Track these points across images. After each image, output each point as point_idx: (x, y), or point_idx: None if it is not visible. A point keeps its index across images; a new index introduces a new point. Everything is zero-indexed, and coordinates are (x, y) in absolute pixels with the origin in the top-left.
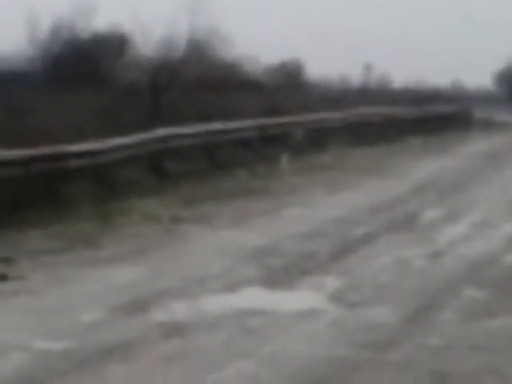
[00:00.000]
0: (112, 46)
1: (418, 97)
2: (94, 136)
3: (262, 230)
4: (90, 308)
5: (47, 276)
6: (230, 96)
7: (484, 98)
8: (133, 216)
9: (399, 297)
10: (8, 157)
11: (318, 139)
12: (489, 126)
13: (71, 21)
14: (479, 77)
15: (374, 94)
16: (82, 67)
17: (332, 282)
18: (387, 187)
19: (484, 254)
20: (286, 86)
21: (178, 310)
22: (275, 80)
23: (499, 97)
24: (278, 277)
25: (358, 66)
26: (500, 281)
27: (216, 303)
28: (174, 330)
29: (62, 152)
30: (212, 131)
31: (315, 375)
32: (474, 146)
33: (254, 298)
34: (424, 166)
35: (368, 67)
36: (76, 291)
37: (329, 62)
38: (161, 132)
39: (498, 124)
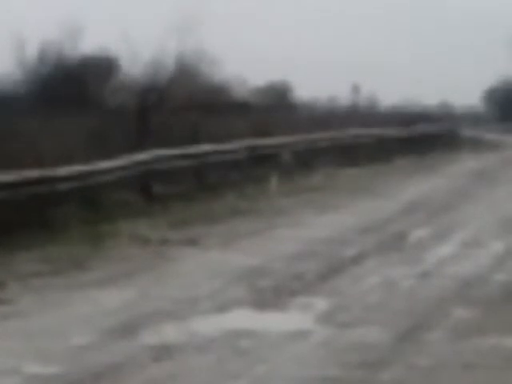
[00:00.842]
0: (100, 68)
1: (406, 117)
2: (83, 159)
3: (251, 251)
4: (79, 331)
5: (36, 299)
6: (218, 118)
7: (472, 118)
8: (122, 238)
9: (389, 317)
10: None
11: (306, 160)
12: (477, 145)
13: (59, 44)
14: (467, 96)
15: (362, 114)
16: (70, 90)
17: (321, 303)
18: (376, 207)
19: (473, 274)
20: (275, 107)
21: (168, 332)
22: (263, 101)
23: (487, 116)
24: (268, 298)
25: (346, 87)
26: (489, 300)
27: (206, 325)
28: (164, 352)
29: (50, 175)
30: (200, 153)
31: None
32: (463, 166)
33: (243, 319)
34: (413, 185)
35: (356, 88)
36: (66, 314)
37: (317, 84)
38: (149, 154)
39: (486, 143)
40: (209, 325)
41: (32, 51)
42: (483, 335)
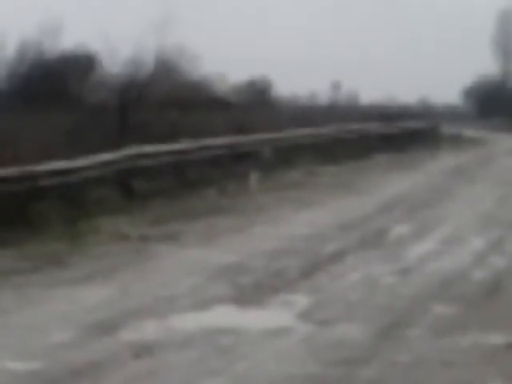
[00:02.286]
0: (79, 65)
1: (385, 114)
2: (63, 155)
3: (231, 248)
4: (59, 328)
5: (16, 296)
6: (198, 114)
7: (452, 115)
8: (102, 235)
9: (369, 314)
10: None
11: (287, 157)
12: (457, 141)
13: (38, 41)
14: (447, 93)
15: (342, 111)
16: (49, 87)
17: (302, 300)
18: (356, 204)
19: (453, 270)
20: (255, 104)
21: (148, 330)
22: (244, 98)
23: (467, 112)
24: (248, 295)
25: (327, 84)
26: (469, 297)
27: (186, 322)
28: (145, 349)
29: (31, 172)
30: (180, 150)
31: None
32: (442, 162)
33: (224, 316)
34: (392, 182)
35: (336, 85)
36: (45, 311)
37: (297, 81)
38: (129, 151)
39: (466, 140)
40: (189, 322)
41: (11, 48)
42: (463, 332)
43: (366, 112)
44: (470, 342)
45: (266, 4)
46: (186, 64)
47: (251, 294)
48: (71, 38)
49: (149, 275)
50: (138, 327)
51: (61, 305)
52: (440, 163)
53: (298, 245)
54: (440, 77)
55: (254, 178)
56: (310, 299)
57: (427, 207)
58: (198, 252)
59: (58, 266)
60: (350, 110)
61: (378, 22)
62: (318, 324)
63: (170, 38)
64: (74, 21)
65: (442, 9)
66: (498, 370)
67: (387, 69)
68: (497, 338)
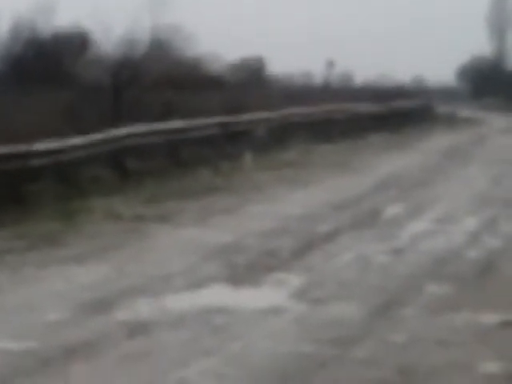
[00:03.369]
0: (73, 44)
1: (380, 93)
2: (57, 135)
3: (225, 228)
4: (54, 307)
5: (11, 275)
6: (192, 94)
7: (446, 94)
8: (96, 214)
9: (363, 293)
10: None
11: (281, 136)
12: (451, 121)
13: (32, 20)
14: (442, 72)
15: (336, 90)
16: (43, 66)
17: (296, 279)
18: (350, 183)
19: (447, 250)
20: (249, 83)
21: (142, 309)
22: (238, 77)
23: (461, 92)
24: (242, 274)
25: (321, 62)
26: (463, 276)
27: (180, 301)
28: (139, 328)
29: (24, 151)
30: (174, 129)
31: (281, 372)
32: (437, 142)
33: (218, 295)
34: (387, 162)
35: (330, 64)
36: (40, 290)
37: (291, 59)
38: (123, 130)
39: (460, 119)
40: (183, 301)
41: (4, 28)
42: (456, 311)
43: (361, 91)
44: (464, 321)
45: None
46: (180, 43)
47: (245, 273)
48: (65, 17)
49: (143, 255)
50: (132, 306)
51: (55, 284)
52: (434, 143)
53: (293, 224)
54: (435, 56)
55: (248, 157)
56: (304, 279)
57: (421, 186)
58: (192, 232)
59: (53, 245)
60: (344, 90)
61: (374, 2)
62: (312, 303)
63: (165, 16)
64: None
65: None
66: (491, 350)
67: (382, 48)
68: (490, 317)
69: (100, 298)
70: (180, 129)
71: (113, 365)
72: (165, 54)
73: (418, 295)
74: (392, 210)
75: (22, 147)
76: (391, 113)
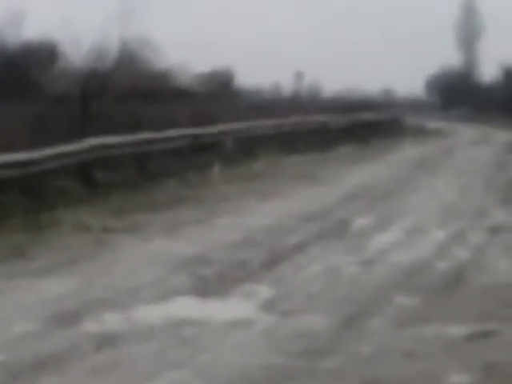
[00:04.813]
0: (42, 55)
1: (348, 105)
2: (24, 146)
3: (193, 239)
4: (21, 319)
5: None
6: (161, 105)
7: (415, 105)
8: (64, 226)
9: (331, 305)
10: None
11: (249, 148)
12: (420, 133)
13: (0, 30)
14: (410, 84)
15: (305, 102)
16: (11, 77)
17: (264, 291)
18: (319, 195)
19: (416, 261)
20: (218, 95)
21: (110, 321)
22: (206, 89)
23: (430, 103)
24: (211, 286)
25: (290, 74)
26: (432, 288)
27: (149, 313)
28: (106, 340)
29: None
30: (143, 140)
31: None
32: (405, 154)
33: (186, 307)
34: (355, 173)
35: (299, 76)
36: (7, 303)
37: (261, 71)
38: (91, 142)
39: (429, 131)
40: (151, 313)
41: None
42: (425, 323)
43: (329, 103)
44: (432, 333)
45: None
46: (148, 55)
47: (214, 285)
48: (33, 28)
49: (111, 267)
50: (101, 319)
51: (23, 296)
52: (403, 154)
53: (261, 236)
54: (404, 68)
55: (216, 168)
56: (273, 290)
57: (390, 198)
58: (161, 243)
59: (21, 258)
60: (313, 101)
61: (341, 13)
62: (281, 315)
63: (134, 28)
64: (36, 10)
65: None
66: (458, 361)
67: (350, 60)
68: (458, 329)
69: (68, 310)
70: (148, 140)
71: (81, 377)
72: (133, 65)
73: (386, 307)
74: (361, 222)
75: None
76: (359, 125)
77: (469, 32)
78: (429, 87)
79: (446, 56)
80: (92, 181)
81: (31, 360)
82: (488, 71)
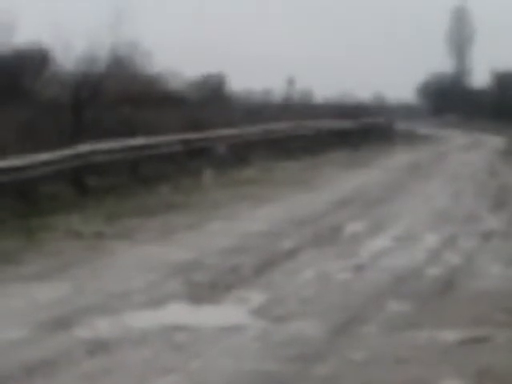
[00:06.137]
0: (33, 61)
1: (340, 111)
2: (16, 152)
3: (185, 245)
4: (13, 325)
5: None
6: (153, 111)
7: (406, 111)
8: (56, 232)
9: (324, 310)
10: None
11: (241, 153)
12: (411, 138)
13: None
14: (402, 89)
15: (296, 108)
16: (2, 83)
17: (257, 297)
18: (311, 201)
19: (407, 267)
20: (209, 100)
21: (102, 327)
22: (198, 94)
23: (421, 109)
24: (203, 292)
25: (282, 80)
26: (424, 293)
27: (141, 319)
28: (99, 346)
29: None
30: (135, 146)
31: None
32: (397, 159)
33: (178, 313)
34: (347, 179)
35: (291, 82)
36: None
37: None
38: (83, 147)
39: (421, 136)
40: (144, 319)
41: None
42: (418, 329)
43: (321, 108)
44: (424, 338)
45: (223, 2)
46: (140, 60)
47: (206, 291)
48: (25, 34)
49: (103, 272)
50: (93, 324)
51: (14, 302)
52: (394, 160)
53: (253, 241)
54: (395, 74)
55: (208, 174)
56: (265, 296)
57: (381, 204)
58: (153, 249)
59: (12, 263)
60: (304, 107)
61: (334, 19)
62: (273, 321)
63: (125, 34)
64: (27, 16)
65: (396, 6)
66: (451, 366)
67: (343, 66)
68: (450, 335)
69: (60, 315)
70: (140, 146)
71: (73, 383)
72: (125, 71)
73: (378, 312)
74: (353, 227)
75: None
76: (351, 131)
77: (460, 38)
78: (420, 93)
79: (437, 62)
80: (84, 186)
81: (23, 366)
82: (479, 77)
